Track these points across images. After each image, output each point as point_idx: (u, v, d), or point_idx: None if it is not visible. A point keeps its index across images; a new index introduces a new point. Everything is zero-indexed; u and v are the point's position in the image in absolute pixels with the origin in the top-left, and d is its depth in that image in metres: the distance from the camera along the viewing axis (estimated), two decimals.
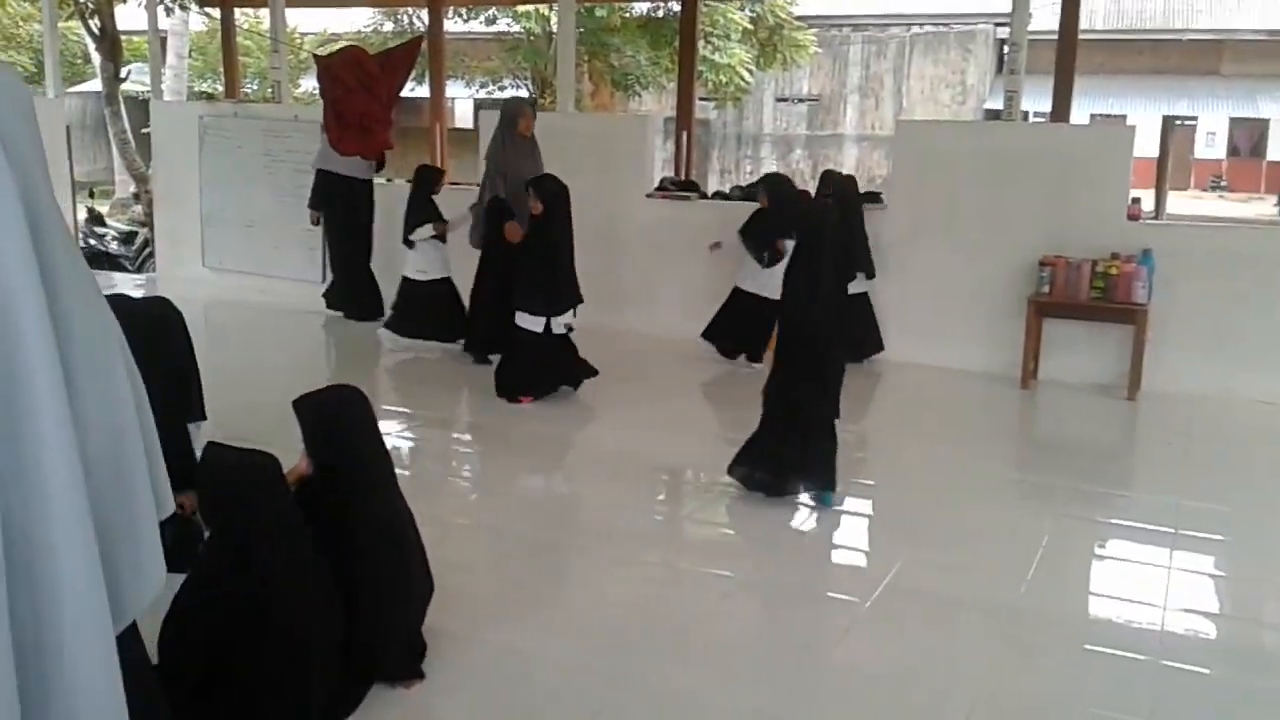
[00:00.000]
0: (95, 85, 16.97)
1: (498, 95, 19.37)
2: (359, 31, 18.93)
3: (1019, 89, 7.40)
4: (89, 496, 1.69)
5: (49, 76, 11.20)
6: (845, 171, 9.79)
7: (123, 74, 13.97)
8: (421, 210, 7.40)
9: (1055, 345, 7.09)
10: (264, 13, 12.71)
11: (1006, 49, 8.26)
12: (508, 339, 6.47)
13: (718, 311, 7.34)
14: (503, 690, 3.29)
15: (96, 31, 13.47)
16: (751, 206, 7.34)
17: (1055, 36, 7.86)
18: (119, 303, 3.91)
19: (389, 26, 18.61)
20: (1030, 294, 6.95)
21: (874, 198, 7.84)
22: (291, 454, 3.15)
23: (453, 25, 15.31)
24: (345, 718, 3.01)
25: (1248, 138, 25.91)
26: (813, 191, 7.81)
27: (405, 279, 7.53)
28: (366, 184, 8.50)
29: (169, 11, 13.50)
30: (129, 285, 10.63)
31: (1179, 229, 7.62)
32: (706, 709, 3.22)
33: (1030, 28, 7.46)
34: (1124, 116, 19.90)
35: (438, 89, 10.41)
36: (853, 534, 4.81)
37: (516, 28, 17.83)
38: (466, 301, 7.37)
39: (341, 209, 8.44)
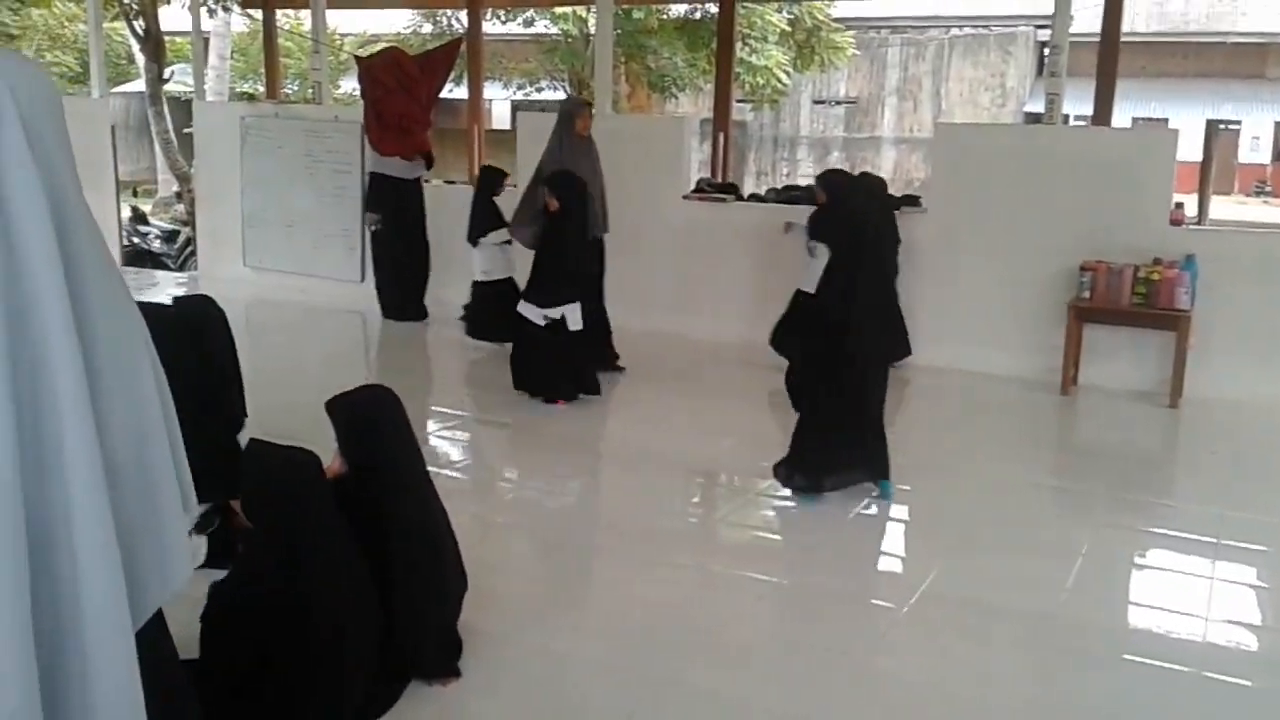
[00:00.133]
0: (139, 86, 17.21)
1: (535, 97, 19.43)
2: (398, 33, 19.05)
3: (1060, 92, 7.33)
4: (112, 495, 1.71)
5: (94, 77, 11.36)
6: (879, 174, 9.72)
7: (166, 74, 14.16)
8: (485, 212, 7.42)
9: (1096, 351, 7.02)
10: (305, 14, 12.83)
11: (1047, 51, 8.19)
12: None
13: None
14: (537, 690, 3.30)
15: (141, 32, 13.67)
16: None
17: (1097, 39, 7.78)
18: (159, 306, 3.97)
19: (428, 28, 18.71)
20: (1071, 299, 6.89)
21: (912, 201, 7.79)
22: (328, 454, 3.18)
23: (491, 27, 15.39)
24: (382, 714, 3.03)
25: None
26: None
27: (473, 282, 7.57)
28: (415, 184, 8.55)
29: (212, 13, 13.65)
30: (171, 284, 10.77)
31: (1223, 234, 7.52)
32: (741, 712, 3.21)
33: (1072, 30, 7.39)
34: (1166, 120, 19.68)
35: (476, 90, 10.46)
36: (890, 540, 4.79)
37: (554, 29, 17.87)
38: None
39: (392, 211, 8.48)
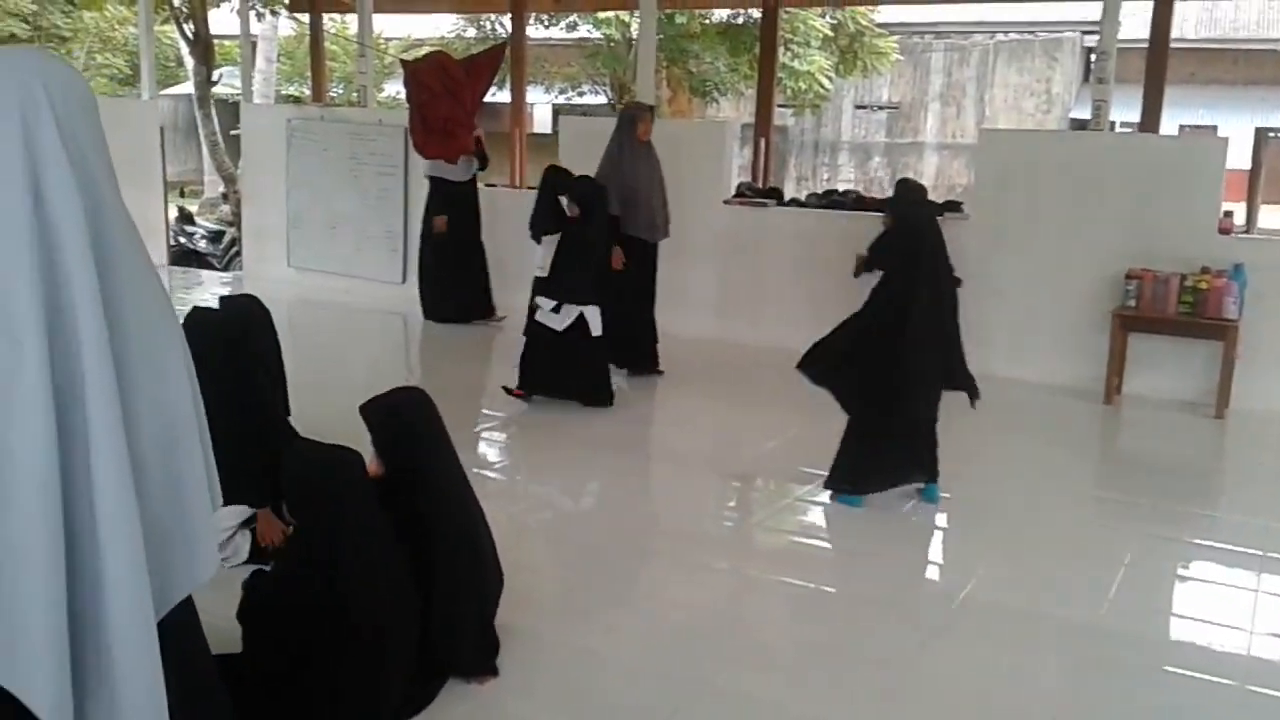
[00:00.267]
0: (187, 88, 17.45)
1: (576, 101, 19.48)
2: (442, 37, 19.17)
3: (1108, 98, 7.26)
4: (139, 490, 1.73)
5: (144, 79, 11.54)
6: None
7: (214, 77, 14.35)
8: (548, 210, 7.45)
9: (1140, 360, 6.93)
10: (351, 18, 12.96)
11: (1094, 57, 8.12)
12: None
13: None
14: (573, 690, 3.31)
15: (190, 35, 13.86)
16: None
17: (1145, 45, 7.71)
18: (207, 309, 4.03)
19: (472, 32, 18.82)
20: (1115, 307, 6.81)
21: (954, 207, 7.75)
22: (369, 454, 3.21)
23: (534, 31, 15.46)
24: (419, 712, 3.06)
25: None
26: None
27: (535, 278, 7.60)
28: (471, 186, 8.60)
29: (260, 17, 13.82)
30: (215, 283, 10.91)
31: (1272, 243, 7.40)
32: (780, 716, 3.21)
33: (1119, 36, 7.31)
34: (1215, 128, 19.38)
35: (519, 94, 10.53)
36: (931, 546, 4.75)
37: (597, 34, 17.92)
38: None
39: (448, 214, 8.52)
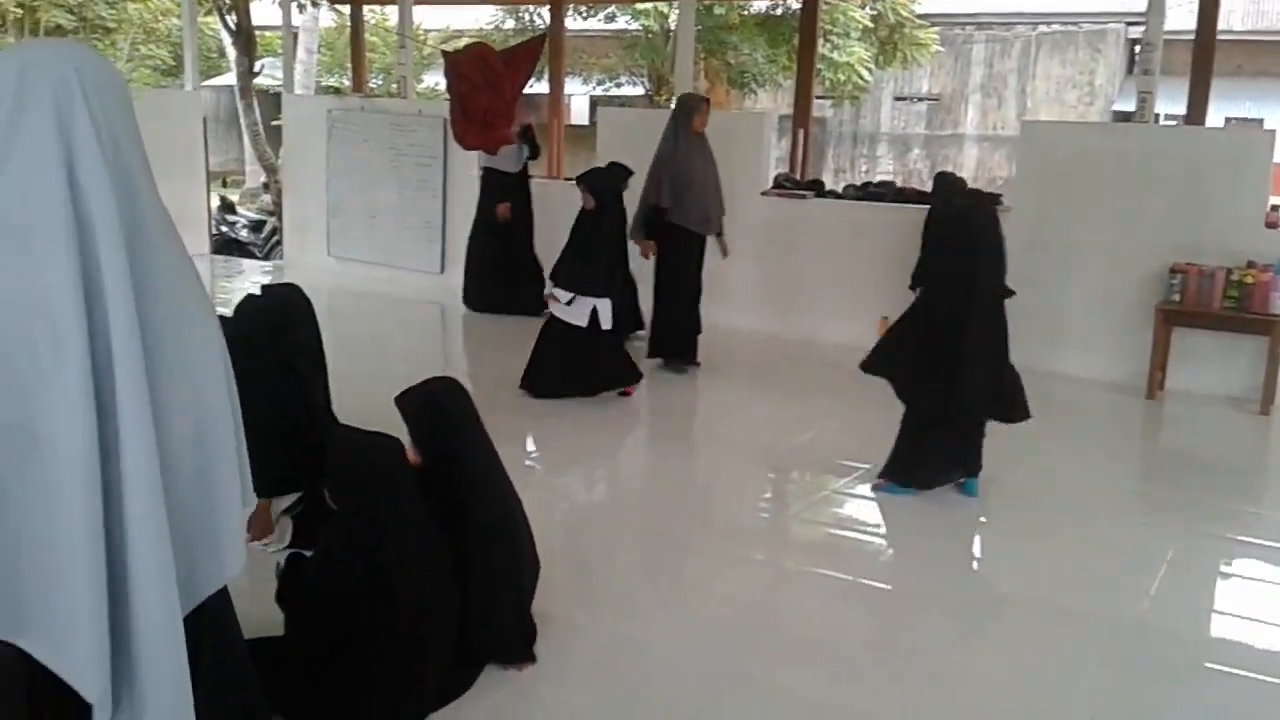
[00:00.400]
0: (229, 79, 17.60)
1: (614, 92, 19.48)
2: (481, 28, 19.22)
3: (1153, 90, 7.17)
4: (169, 484, 1.75)
5: (187, 70, 11.66)
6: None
7: (256, 68, 14.46)
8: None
9: (1184, 355, 6.85)
10: (391, 10, 13.03)
11: (1139, 49, 8.01)
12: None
13: None
14: (610, 678, 3.32)
15: (232, 27, 13.97)
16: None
17: (1191, 36, 7.58)
18: (250, 296, 4.07)
19: (510, 24, 18.86)
20: (1159, 302, 6.74)
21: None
22: (406, 444, 3.23)
23: (572, 23, 15.45)
24: (458, 697, 3.09)
25: None
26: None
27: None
28: (522, 177, 8.62)
29: (301, 8, 13.91)
30: (256, 272, 11.03)
31: None
32: (814, 710, 3.20)
33: (1165, 27, 7.22)
34: (1261, 120, 19.06)
35: (557, 86, 10.54)
36: (971, 541, 4.72)
37: (635, 25, 17.90)
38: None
39: (496, 203, 8.53)
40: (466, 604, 3.11)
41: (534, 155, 8.63)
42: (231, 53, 15.38)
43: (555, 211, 7.84)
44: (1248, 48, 21.65)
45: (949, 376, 4.64)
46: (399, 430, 3.18)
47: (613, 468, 5.60)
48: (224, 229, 13.44)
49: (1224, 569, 4.45)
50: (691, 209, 6.72)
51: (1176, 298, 6.65)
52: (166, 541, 1.72)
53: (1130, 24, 20.85)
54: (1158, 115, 7.95)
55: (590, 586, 3.96)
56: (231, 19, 13.90)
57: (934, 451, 4.80)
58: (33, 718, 1.76)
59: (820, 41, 14.03)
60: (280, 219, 12.16)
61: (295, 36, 15.06)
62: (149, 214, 1.74)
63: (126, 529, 1.69)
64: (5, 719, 1.77)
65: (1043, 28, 22.89)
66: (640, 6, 16.82)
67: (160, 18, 20.78)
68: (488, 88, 8.13)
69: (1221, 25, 8.01)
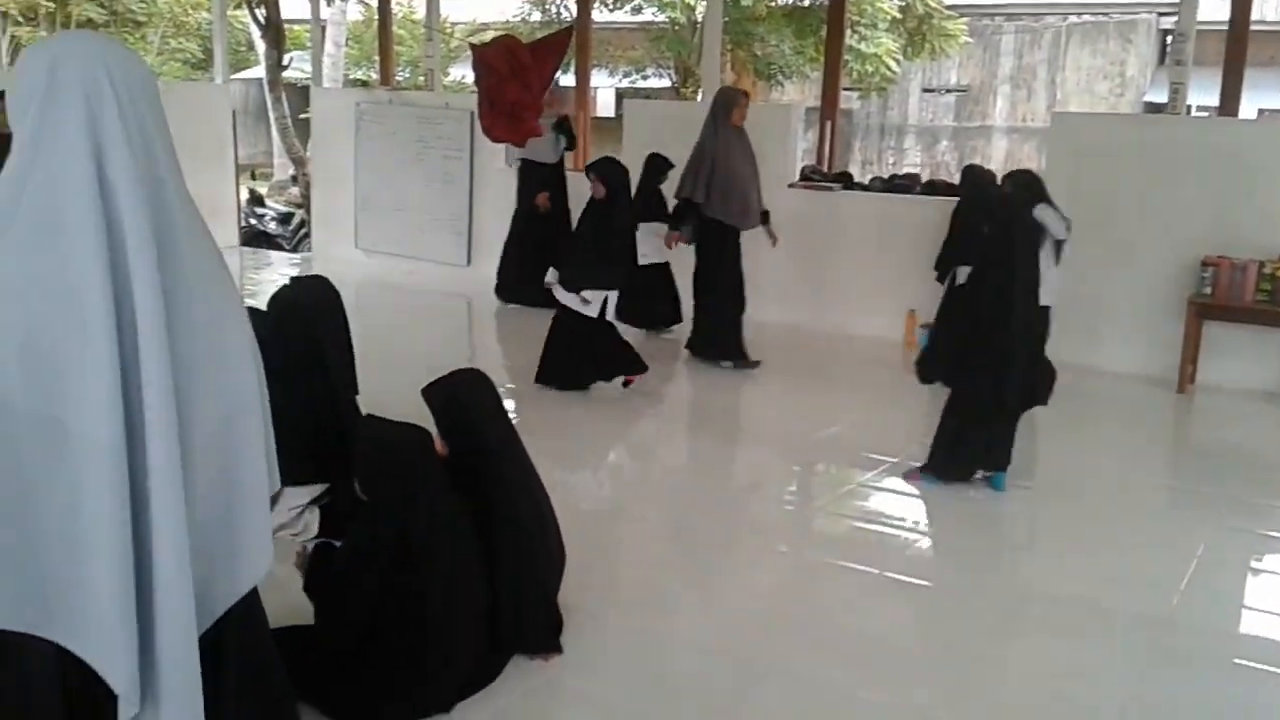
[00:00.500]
0: (258, 72, 17.71)
1: (640, 84, 19.45)
2: (507, 21, 19.23)
3: (1185, 81, 7.09)
4: (196, 476, 1.75)
5: (217, 63, 11.74)
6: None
7: (285, 61, 14.53)
8: (649, 199, 7.47)
9: (1215, 349, 6.78)
10: (418, 3, 13.07)
11: (1171, 39, 7.93)
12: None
13: None
14: (636, 669, 3.33)
15: (261, 21, 14.05)
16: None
17: (1224, 27, 7.49)
18: (280, 289, 4.10)
19: (536, 16, 18.87)
20: (1190, 295, 6.68)
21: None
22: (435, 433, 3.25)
23: (598, 14, 15.45)
24: (485, 685, 3.10)
25: None
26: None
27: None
28: (559, 169, 8.63)
29: (329, 1, 13.97)
30: (284, 264, 11.09)
31: None
32: (845, 703, 3.20)
33: (1198, 17, 7.13)
34: None
35: (583, 78, 10.52)
36: (1001, 536, 4.70)
37: (661, 17, 17.86)
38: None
39: (532, 195, 8.54)
40: (493, 593, 3.12)
41: (571, 146, 8.63)
42: (260, 46, 15.45)
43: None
44: None
45: (992, 372, 4.63)
46: (427, 422, 3.20)
47: (639, 459, 5.60)
48: (253, 221, 13.52)
49: (1254, 564, 4.41)
50: (732, 203, 6.69)
51: (1208, 291, 6.58)
52: (184, 537, 1.72)
53: (1162, 14, 20.64)
54: (1190, 107, 7.87)
55: (617, 578, 3.97)
56: (260, 12, 13.98)
57: (972, 447, 4.81)
58: (67, 711, 1.78)
59: (848, 32, 13.97)
60: (308, 211, 12.23)
61: (323, 30, 15.12)
62: (177, 208, 1.75)
63: (150, 522, 1.70)
64: (41, 712, 1.79)
65: (1073, 18, 22.68)
66: None
67: (190, 11, 20.95)
68: (515, 80, 8.13)
69: (1255, 16, 7.91)
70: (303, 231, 13.25)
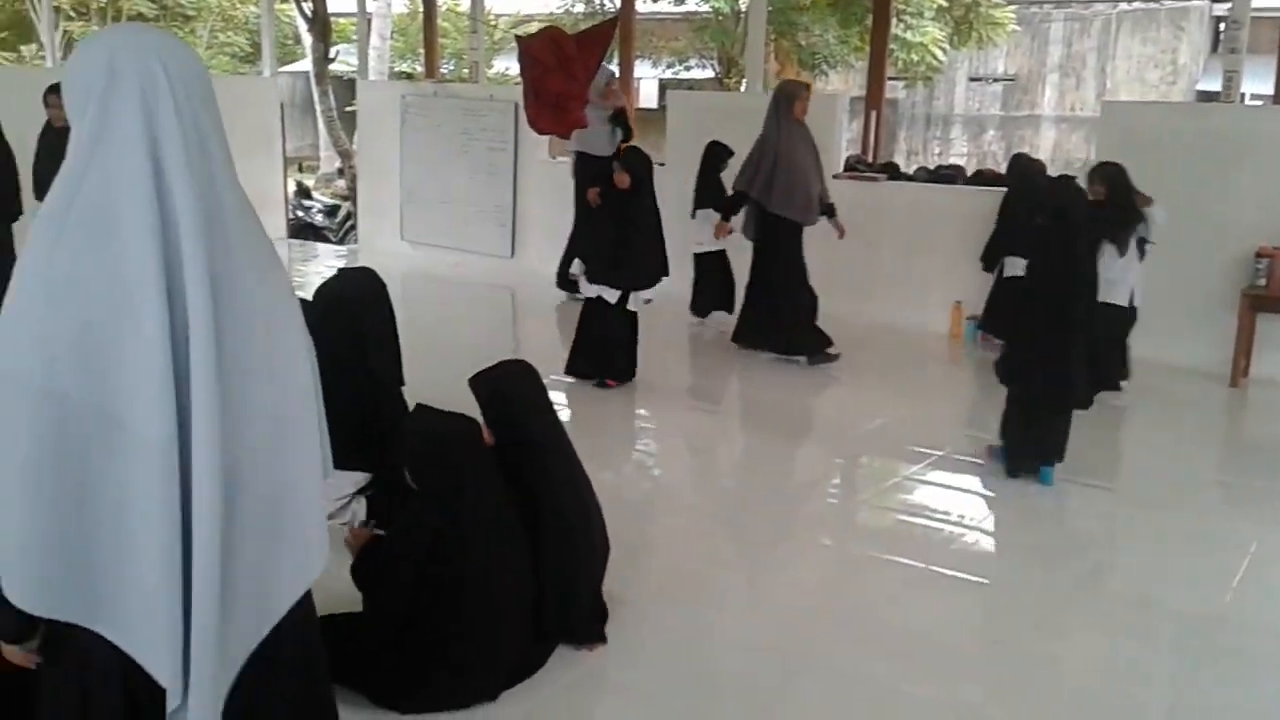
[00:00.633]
0: (305, 65, 17.87)
1: (683, 75, 19.41)
2: (551, 13, 19.28)
3: (1239, 69, 6.97)
4: (247, 477, 1.75)
5: (265, 57, 11.86)
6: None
7: (331, 54, 14.66)
8: (709, 186, 7.49)
9: (1270, 342, 6.66)
10: None
11: (1225, 27, 7.78)
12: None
13: None
14: (679, 661, 3.34)
15: (308, 14, 14.17)
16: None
17: (1279, 14, 7.35)
18: (325, 281, 4.14)
19: (580, 8, 18.88)
20: (1244, 287, 6.56)
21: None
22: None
23: (641, 5, 15.42)
24: (530, 675, 3.12)
25: None
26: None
27: (693, 254, 7.63)
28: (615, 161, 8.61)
29: None
30: (331, 256, 11.20)
31: None
32: (890, 697, 3.20)
33: (1252, 4, 7.00)
34: None
35: (627, 69, 10.52)
36: (1049, 530, 4.64)
37: (705, 7, 17.81)
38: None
39: (589, 186, 8.55)
40: (539, 583, 3.14)
41: (627, 139, 8.62)
42: (307, 39, 15.61)
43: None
44: None
45: (1057, 365, 4.63)
46: (474, 412, 3.22)
47: (683, 451, 5.60)
48: (300, 214, 13.68)
49: None
50: (794, 197, 6.65)
51: (1262, 283, 6.47)
52: (218, 532, 1.71)
53: (1214, 1, 20.27)
54: (1243, 95, 7.73)
55: (661, 570, 3.98)
56: (307, 6, 14.11)
57: (1035, 442, 4.81)
58: (127, 702, 1.80)
59: (893, 21, 13.85)
60: (355, 204, 12.34)
61: (369, 23, 15.23)
62: (229, 201, 1.76)
63: (193, 518, 1.72)
64: (103, 702, 1.81)
65: (1123, 5, 22.31)
66: None
67: (238, 5, 21.20)
68: (560, 71, 8.13)
69: None
70: (349, 224, 13.37)
